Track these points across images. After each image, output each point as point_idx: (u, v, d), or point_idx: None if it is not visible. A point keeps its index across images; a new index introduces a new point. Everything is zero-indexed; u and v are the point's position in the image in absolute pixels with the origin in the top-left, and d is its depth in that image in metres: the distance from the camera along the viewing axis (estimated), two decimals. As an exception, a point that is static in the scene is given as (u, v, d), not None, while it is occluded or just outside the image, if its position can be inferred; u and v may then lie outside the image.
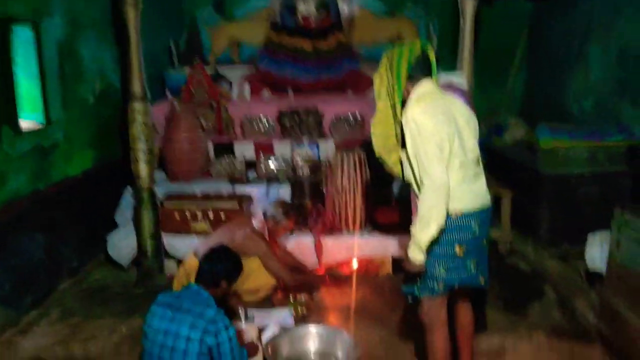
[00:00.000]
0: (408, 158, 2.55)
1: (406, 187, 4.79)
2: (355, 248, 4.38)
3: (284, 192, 4.84)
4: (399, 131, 2.68)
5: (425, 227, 2.42)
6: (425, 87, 2.61)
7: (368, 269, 4.48)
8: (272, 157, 5.14)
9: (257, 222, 3.97)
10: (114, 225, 4.87)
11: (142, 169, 4.33)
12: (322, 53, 5.89)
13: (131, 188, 4.90)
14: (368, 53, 6.13)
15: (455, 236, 2.52)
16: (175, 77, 5.81)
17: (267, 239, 3.97)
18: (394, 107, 2.66)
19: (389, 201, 4.65)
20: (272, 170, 5.10)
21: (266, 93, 6.00)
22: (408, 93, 2.63)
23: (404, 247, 4.40)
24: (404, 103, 2.63)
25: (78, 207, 4.59)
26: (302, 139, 5.30)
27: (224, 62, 6.31)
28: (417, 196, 2.63)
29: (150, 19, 5.52)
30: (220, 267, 2.95)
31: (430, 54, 2.66)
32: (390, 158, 2.76)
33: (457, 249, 2.53)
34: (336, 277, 4.05)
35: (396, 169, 2.77)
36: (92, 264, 4.76)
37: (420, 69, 2.64)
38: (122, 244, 4.58)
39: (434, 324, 2.60)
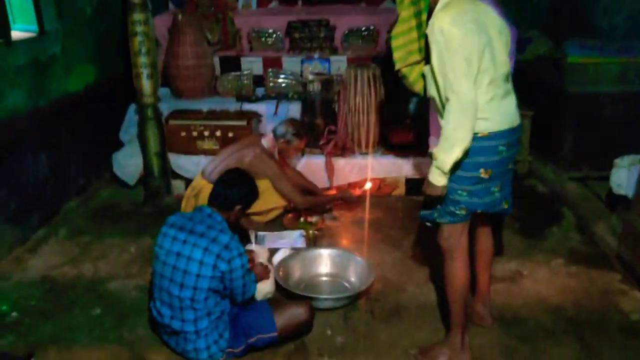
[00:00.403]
0: (433, 73, 2.33)
1: (421, 105, 4.60)
2: (368, 169, 4.24)
3: (294, 109, 4.65)
4: (423, 44, 2.43)
5: (449, 149, 2.25)
6: None
7: (381, 190, 4.35)
8: (281, 73, 4.89)
9: (266, 141, 3.80)
10: (119, 143, 4.74)
11: (145, 84, 4.11)
12: (334, -41, 5.46)
13: (135, 106, 4.72)
14: (383, -41, 5.69)
15: (481, 159, 2.34)
16: (181, -14, 5.43)
17: (277, 159, 3.81)
18: (418, 15, 2.40)
19: (403, 120, 4.44)
20: (281, 86, 4.87)
21: (274, 3, 5.63)
22: (435, 1, 2.36)
23: (421, 169, 4.31)
24: (430, 11, 2.37)
25: (81, 125, 4.42)
26: (312, 54, 5.03)
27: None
28: (440, 115, 2.43)
29: None
30: (236, 190, 2.82)
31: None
32: (412, 74, 2.53)
33: (481, 172, 2.36)
34: (348, 198, 3.93)
35: (418, 86, 2.55)
36: (98, 183, 4.66)
37: (449, -27, 2.35)
38: (128, 162, 4.45)
39: (454, 251, 2.48)
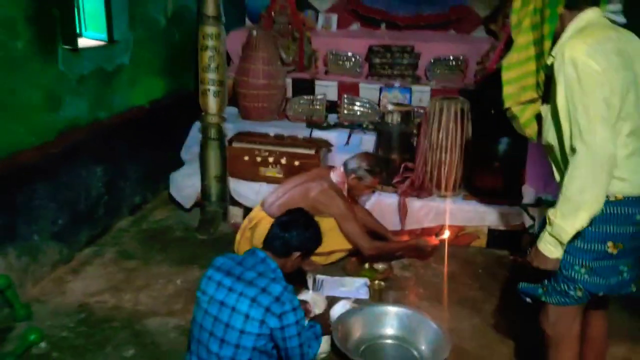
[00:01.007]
0: (554, 116, 1.85)
1: (513, 147, 4.07)
2: (446, 214, 3.74)
3: (368, 141, 4.23)
4: (542, 78, 1.96)
5: (572, 214, 1.75)
6: (590, 17, 1.86)
7: (459, 239, 3.83)
8: (357, 100, 4.50)
9: (336, 175, 3.39)
10: (180, 162, 4.48)
11: (211, 102, 3.83)
12: (424, -18, 5.05)
13: (200, 124, 4.46)
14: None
15: (610, 228, 1.82)
16: (257, 2, 5.18)
17: (346, 196, 3.39)
18: (541, 43, 1.93)
19: (491, 162, 3.91)
20: (356, 114, 4.48)
21: (355, 26, 5.28)
22: (563, 25, 1.90)
23: (507, 220, 3.77)
24: (556, 38, 1.90)
25: (142, 140, 4.19)
26: (393, 81, 4.61)
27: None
28: (558, 168, 1.94)
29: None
30: (296, 235, 2.45)
31: (598, -29, 1.89)
32: (524, 114, 2.06)
33: (609, 245, 1.84)
34: (423, 247, 3.44)
35: (530, 130, 2.08)
36: (154, 202, 4.41)
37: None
38: (186, 184, 4.17)
39: (562, 339, 1.96)
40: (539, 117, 2.04)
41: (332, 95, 4.63)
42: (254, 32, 4.31)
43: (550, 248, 1.83)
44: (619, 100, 1.73)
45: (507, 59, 2.04)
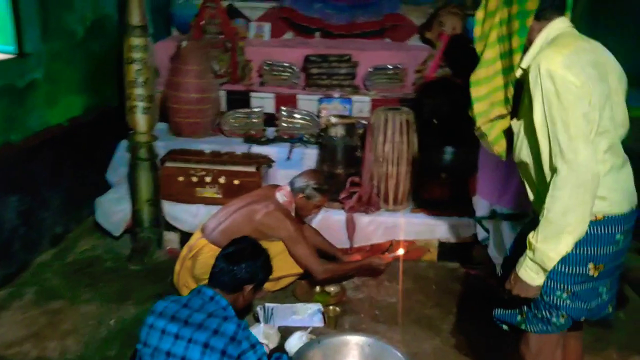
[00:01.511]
0: (527, 132, 1.73)
1: (459, 157, 4.01)
2: (397, 229, 3.61)
3: (310, 155, 4.05)
4: (511, 93, 1.84)
5: (555, 237, 1.63)
6: (560, 27, 1.77)
7: (409, 254, 3.71)
8: (296, 112, 4.31)
9: (282, 195, 3.17)
10: (105, 186, 4.10)
11: (140, 120, 3.50)
12: (358, -11, 4.94)
13: (127, 141, 4.10)
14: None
15: (591, 250, 1.73)
16: (184, 11, 4.87)
17: (294, 217, 3.18)
18: (509, 56, 1.81)
19: (437, 173, 3.83)
20: (296, 127, 4.28)
21: (289, 35, 5.09)
22: (531, 36, 1.79)
23: (457, 231, 3.69)
24: (526, 49, 1.79)
25: (62, 163, 3.78)
26: (332, 92, 4.45)
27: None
28: (530, 186, 1.83)
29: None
30: (246, 267, 2.25)
31: (564, -23, 1.80)
32: (493, 131, 1.93)
33: (590, 267, 1.74)
34: (377, 266, 3.28)
35: (499, 147, 1.95)
36: (78, 231, 3.99)
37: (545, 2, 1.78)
38: (114, 209, 3.80)
39: (545, 369, 1.85)
40: (507, 133, 1.93)
41: (270, 108, 4.41)
42: (184, 44, 4.01)
43: (531, 275, 1.71)
44: (597, 115, 1.64)
45: (475, 74, 1.91)
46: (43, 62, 3.53)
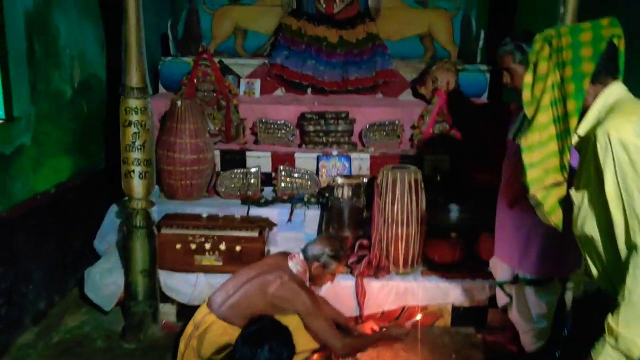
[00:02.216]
0: (595, 203, 1.62)
1: (468, 216, 3.91)
2: (410, 294, 3.44)
3: (313, 217, 3.88)
4: (567, 158, 1.74)
5: (642, 323, 1.49)
6: (618, 92, 1.69)
7: (422, 320, 3.52)
8: (295, 171, 4.15)
9: (295, 264, 2.97)
10: (93, 255, 3.82)
11: (137, 185, 3.28)
12: (350, 45, 4.91)
13: (117, 207, 3.86)
14: (394, 49, 5.16)
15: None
16: (173, 68, 4.73)
17: (309, 288, 2.97)
18: (564, 120, 1.72)
19: (447, 234, 3.70)
20: (295, 187, 4.12)
21: (280, 91, 4.99)
22: (587, 101, 1.70)
23: (472, 295, 3.54)
24: (583, 114, 1.69)
25: (48, 233, 3.51)
26: (330, 150, 4.34)
27: (226, 54, 5.25)
28: (600, 263, 1.70)
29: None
30: (269, 350, 2.04)
31: (620, 42, 1.74)
32: (548, 199, 1.81)
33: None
34: (398, 336, 3.08)
35: (555, 218, 1.83)
36: (64, 305, 3.67)
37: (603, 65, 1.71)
38: (105, 281, 3.52)
39: None
40: (563, 203, 1.81)
41: (266, 167, 4.25)
42: (179, 103, 3.85)
43: (613, 364, 1.55)
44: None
45: (527, 139, 1.80)
46: (32, 125, 3.31)
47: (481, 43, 5.05)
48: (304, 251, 3.02)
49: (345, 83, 4.86)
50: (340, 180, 3.56)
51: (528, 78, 1.81)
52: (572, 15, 3.13)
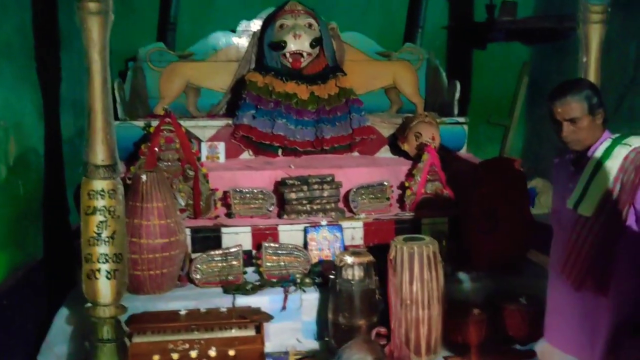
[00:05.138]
0: None
1: (484, 282, 3.49)
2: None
3: (311, 302, 3.32)
4: None
5: None
6: None
7: (452, 415, 3.02)
8: (280, 248, 3.59)
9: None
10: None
11: (103, 287, 2.59)
12: (322, 102, 4.48)
13: (67, 310, 3.11)
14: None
15: None
16: (122, 135, 4.04)
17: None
18: None
19: (468, 310, 3.25)
20: (283, 266, 3.54)
21: (247, 154, 4.45)
22: None
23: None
24: None
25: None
26: (317, 219, 3.82)
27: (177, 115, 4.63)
28: None
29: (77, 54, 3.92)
30: None
31: None
32: None
33: None
34: None
35: None
36: None
37: None
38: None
39: None
40: None
41: (247, 245, 3.64)
42: (144, 177, 3.20)
43: None
44: None
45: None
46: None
47: (457, 94, 4.80)
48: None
49: (319, 142, 4.40)
50: (349, 260, 3.03)
51: None
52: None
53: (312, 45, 4.48)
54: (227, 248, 3.50)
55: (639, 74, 4.95)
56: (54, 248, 3.54)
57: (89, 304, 2.62)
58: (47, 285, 3.28)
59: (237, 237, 3.64)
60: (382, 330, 3.01)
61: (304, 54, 4.47)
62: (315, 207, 3.87)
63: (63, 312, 3.10)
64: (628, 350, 2.43)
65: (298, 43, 4.43)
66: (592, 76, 2.92)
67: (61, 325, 3.08)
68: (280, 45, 4.45)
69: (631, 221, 2.33)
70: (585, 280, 2.37)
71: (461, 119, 4.70)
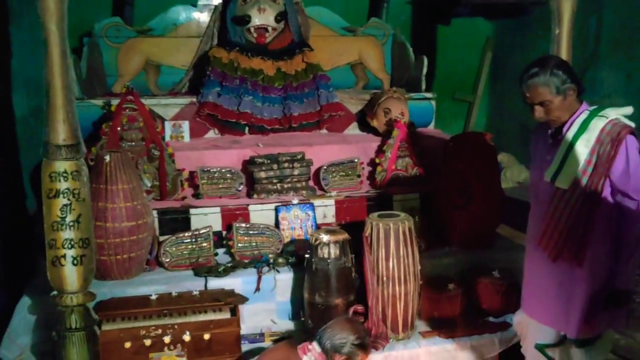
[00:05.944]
0: None
1: (458, 257, 3.50)
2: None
3: (285, 282, 3.25)
4: None
5: None
6: None
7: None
8: (252, 228, 3.50)
9: (310, 357, 2.32)
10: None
11: (69, 274, 2.45)
12: (288, 78, 4.37)
13: (29, 299, 2.95)
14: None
15: None
16: (81, 114, 3.82)
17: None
18: None
19: (441, 284, 3.26)
20: (254, 246, 3.46)
21: (213, 132, 4.31)
22: None
23: (482, 353, 3.11)
24: None
25: None
26: (289, 197, 3.74)
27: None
28: None
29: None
30: None
31: None
32: None
33: None
34: None
35: None
36: None
37: None
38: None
39: None
40: None
41: (217, 226, 3.54)
42: (107, 157, 3.03)
43: None
44: None
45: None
46: None
47: (424, 70, 4.77)
48: (320, 341, 2.38)
49: (287, 119, 4.31)
50: (325, 238, 2.97)
51: None
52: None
53: (277, 20, 4.35)
54: (197, 229, 3.39)
55: (600, 48, 5.06)
56: (11, 235, 3.36)
57: (54, 292, 2.48)
58: (5, 274, 3.10)
59: (207, 218, 3.53)
60: (360, 308, 2.98)
61: (269, 28, 4.34)
62: (285, 185, 3.79)
63: (25, 302, 2.94)
64: (602, 319, 2.48)
65: (263, 17, 4.30)
66: (564, 48, 2.92)
67: (23, 315, 2.92)
68: (244, 20, 4.31)
69: (607, 193, 2.35)
70: (562, 251, 2.39)
71: (429, 95, 4.68)
